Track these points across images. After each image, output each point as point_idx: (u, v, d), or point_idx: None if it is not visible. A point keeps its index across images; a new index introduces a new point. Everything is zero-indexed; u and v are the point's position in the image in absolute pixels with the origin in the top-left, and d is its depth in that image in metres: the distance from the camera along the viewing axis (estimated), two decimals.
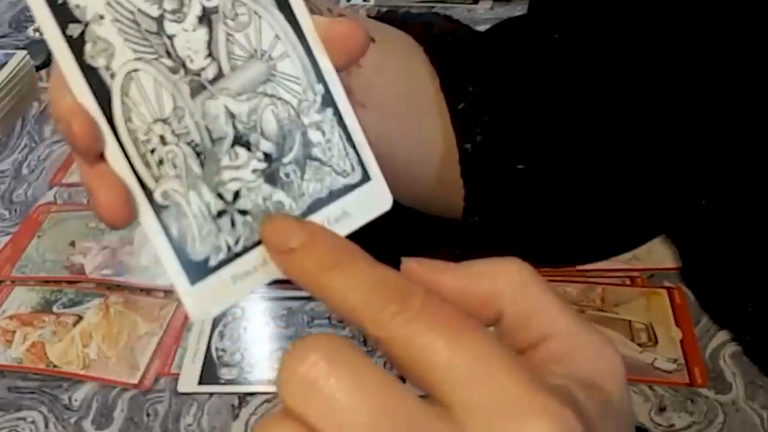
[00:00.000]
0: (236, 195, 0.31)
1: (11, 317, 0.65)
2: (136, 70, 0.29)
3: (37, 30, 1.02)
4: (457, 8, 1.01)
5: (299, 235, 0.29)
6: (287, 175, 0.31)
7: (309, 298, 0.64)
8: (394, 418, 0.25)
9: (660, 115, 0.56)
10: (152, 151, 0.30)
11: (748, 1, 0.52)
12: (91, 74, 0.29)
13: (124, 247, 0.70)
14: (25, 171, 0.80)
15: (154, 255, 0.67)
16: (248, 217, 0.31)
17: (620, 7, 0.57)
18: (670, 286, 0.63)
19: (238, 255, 0.31)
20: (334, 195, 0.32)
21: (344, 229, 0.32)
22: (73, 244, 0.71)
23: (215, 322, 0.63)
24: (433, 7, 1.02)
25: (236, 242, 0.31)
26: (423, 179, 0.52)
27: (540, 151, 0.55)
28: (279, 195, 0.31)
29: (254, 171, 0.31)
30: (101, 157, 0.29)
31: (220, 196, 0.30)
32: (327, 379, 0.26)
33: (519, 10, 0.93)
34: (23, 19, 1.06)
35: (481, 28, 0.61)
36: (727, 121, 0.55)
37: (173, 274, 0.30)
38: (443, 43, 0.55)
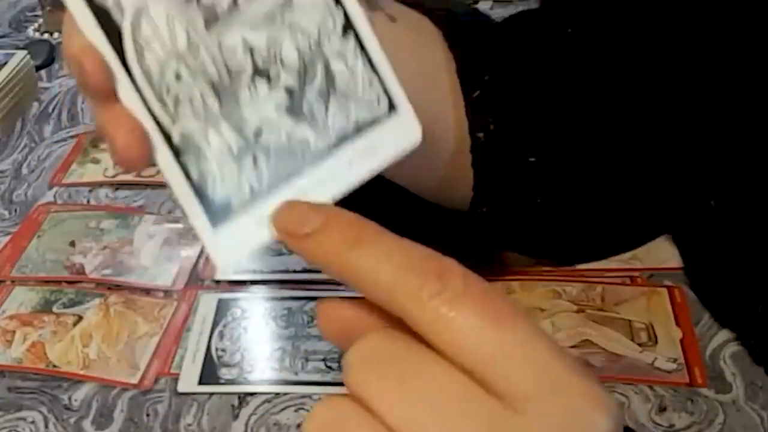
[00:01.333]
0: (258, 132, 0.29)
1: (11, 317, 0.64)
2: (146, 5, 0.28)
3: (37, 30, 1.02)
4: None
5: (314, 217, 0.28)
6: (310, 108, 0.30)
7: (309, 298, 0.63)
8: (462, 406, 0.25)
9: (672, 113, 0.56)
10: (168, 90, 0.28)
11: None
12: (100, 14, 0.27)
13: (124, 247, 0.70)
14: (25, 171, 0.80)
15: (154, 255, 0.68)
16: (272, 156, 0.29)
17: (633, 2, 0.57)
18: (670, 285, 0.62)
19: (261, 197, 0.29)
20: (360, 128, 0.30)
21: (373, 164, 0.30)
22: (73, 244, 0.71)
23: (215, 322, 0.63)
24: None
25: (259, 183, 0.29)
26: (432, 165, 0.52)
27: (551, 145, 0.55)
28: (303, 130, 0.30)
29: (276, 106, 0.29)
30: (115, 98, 0.28)
31: (240, 133, 0.29)
32: (394, 362, 0.26)
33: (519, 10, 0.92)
34: (23, 19, 1.06)
35: None
36: (739, 120, 0.55)
37: (194, 218, 0.28)
38: (463, 28, 0.54)
